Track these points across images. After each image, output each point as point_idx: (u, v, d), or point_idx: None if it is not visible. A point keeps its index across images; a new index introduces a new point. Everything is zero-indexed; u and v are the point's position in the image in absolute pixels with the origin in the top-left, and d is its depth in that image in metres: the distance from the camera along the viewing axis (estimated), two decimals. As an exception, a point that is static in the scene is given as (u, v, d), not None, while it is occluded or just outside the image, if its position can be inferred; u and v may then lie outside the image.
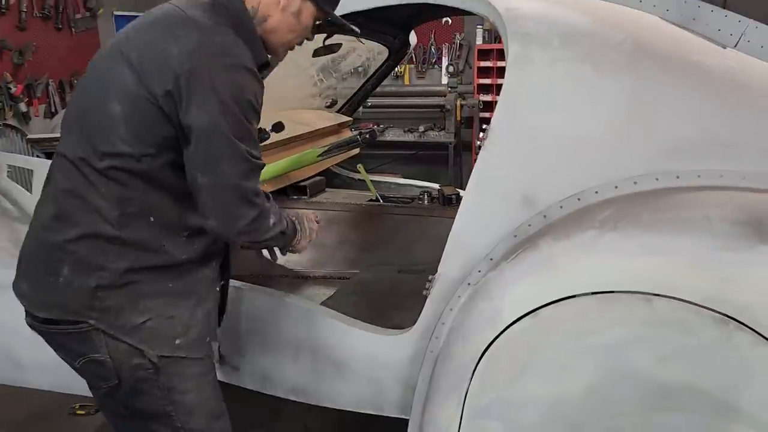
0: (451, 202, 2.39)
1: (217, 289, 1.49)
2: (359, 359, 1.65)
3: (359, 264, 2.37)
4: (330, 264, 2.37)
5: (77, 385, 1.56)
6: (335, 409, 1.72)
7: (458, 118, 4.54)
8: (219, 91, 1.21)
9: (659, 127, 1.35)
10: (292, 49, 1.48)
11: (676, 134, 1.34)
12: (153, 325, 1.34)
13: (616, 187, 1.35)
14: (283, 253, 1.62)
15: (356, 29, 1.52)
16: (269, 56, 1.45)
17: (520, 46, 1.44)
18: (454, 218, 1.50)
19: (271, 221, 1.38)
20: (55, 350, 1.40)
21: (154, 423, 1.41)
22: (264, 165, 1.36)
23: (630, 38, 1.43)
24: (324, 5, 1.40)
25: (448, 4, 1.69)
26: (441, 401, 1.46)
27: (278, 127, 1.56)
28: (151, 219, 1.32)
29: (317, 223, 1.64)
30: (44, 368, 1.84)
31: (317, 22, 1.44)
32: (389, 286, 2.15)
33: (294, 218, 1.56)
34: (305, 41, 1.49)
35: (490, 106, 4.79)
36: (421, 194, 2.51)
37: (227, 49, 1.25)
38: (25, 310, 1.38)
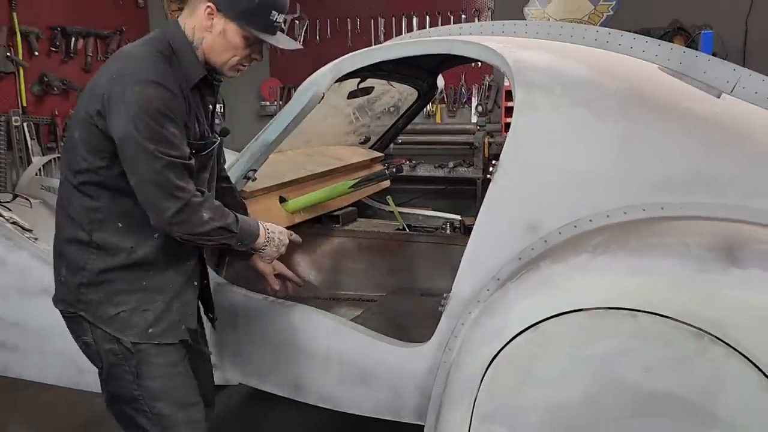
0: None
1: (195, 283, 1.70)
2: (382, 369, 1.80)
3: (385, 287, 2.55)
4: (358, 287, 2.56)
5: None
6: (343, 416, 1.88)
7: (486, 155, 4.72)
8: (130, 103, 1.43)
9: (648, 164, 1.51)
10: (238, 67, 1.61)
11: (662, 171, 1.50)
12: (126, 316, 1.58)
13: (608, 216, 1.51)
14: (247, 256, 1.83)
15: (279, 45, 1.60)
16: (223, 75, 1.63)
17: (525, 92, 1.64)
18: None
19: (205, 215, 1.52)
20: (70, 333, 1.67)
21: (128, 408, 1.63)
22: (189, 163, 1.51)
23: (624, 86, 1.60)
24: (242, 23, 1.53)
25: (467, 55, 1.91)
26: (453, 407, 1.58)
27: (224, 132, 1.78)
28: (119, 225, 1.56)
29: (290, 239, 1.80)
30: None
31: (250, 41, 1.56)
32: (412, 308, 2.32)
33: (266, 227, 1.73)
34: (254, 61, 1.63)
35: (518, 144, 4.91)
36: (444, 224, 2.70)
37: (140, 69, 1.46)
38: None
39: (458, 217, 2.75)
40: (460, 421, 1.57)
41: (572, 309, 1.41)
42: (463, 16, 4.88)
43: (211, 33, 1.54)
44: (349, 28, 5.21)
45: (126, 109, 1.43)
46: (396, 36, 4.90)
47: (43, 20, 4.41)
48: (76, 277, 1.58)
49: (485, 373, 1.52)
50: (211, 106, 1.68)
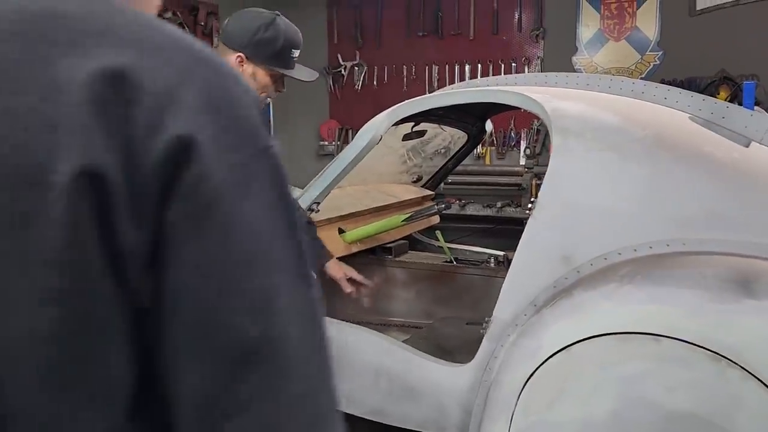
0: (516, 267, 2.71)
1: None
2: (428, 386, 1.97)
3: (433, 315, 2.72)
4: (408, 314, 2.75)
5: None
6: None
7: (533, 196, 4.86)
8: None
9: (671, 204, 1.67)
10: (266, 100, 1.92)
11: (684, 210, 1.65)
12: None
13: (635, 250, 1.66)
14: (321, 265, 2.04)
15: (301, 78, 1.89)
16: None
17: (561, 138, 1.83)
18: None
19: None
20: None
21: None
22: None
23: (651, 133, 1.78)
24: (269, 65, 1.80)
25: (510, 104, 2.12)
26: (492, 422, 1.74)
27: None
28: None
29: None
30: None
31: (276, 77, 1.84)
32: (457, 334, 2.49)
33: None
34: (278, 93, 1.91)
35: (566, 186, 5.03)
36: (488, 258, 2.87)
37: None
38: None
39: (501, 252, 2.92)
40: (498, 435, 1.72)
41: (601, 333, 1.56)
42: (513, 64, 5.11)
43: (242, 75, 1.85)
44: (405, 74, 5.50)
45: None
46: (449, 82, 5.17)
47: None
48: None
49: (522, 390, 1.67)
50: None
